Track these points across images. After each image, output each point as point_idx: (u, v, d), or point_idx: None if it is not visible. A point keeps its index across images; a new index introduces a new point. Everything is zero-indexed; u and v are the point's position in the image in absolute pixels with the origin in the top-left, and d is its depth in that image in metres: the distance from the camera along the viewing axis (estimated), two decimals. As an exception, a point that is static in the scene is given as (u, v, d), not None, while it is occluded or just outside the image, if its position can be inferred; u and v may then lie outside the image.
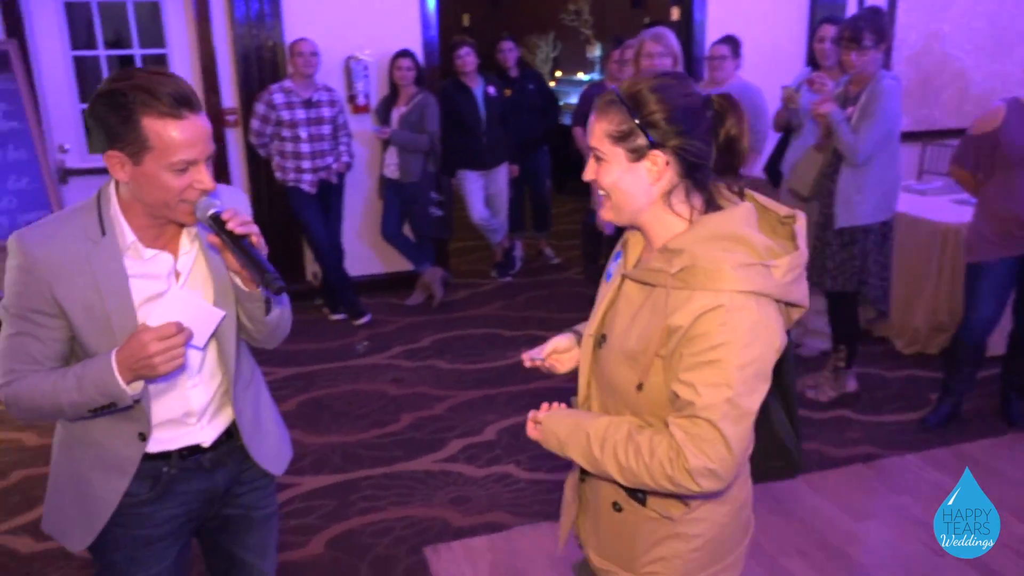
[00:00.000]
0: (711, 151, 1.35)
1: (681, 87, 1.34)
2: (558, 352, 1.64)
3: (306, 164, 4.95)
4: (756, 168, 4.77)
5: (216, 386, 1.68)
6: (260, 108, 4.88)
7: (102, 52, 5.18)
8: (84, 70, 5.22)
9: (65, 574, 2.81)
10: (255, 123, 4.91)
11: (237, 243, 1.44)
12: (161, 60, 5.29)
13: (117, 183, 1.52)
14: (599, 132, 1.36)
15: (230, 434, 1.74)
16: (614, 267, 1.51)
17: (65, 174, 5.06)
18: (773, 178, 4.66)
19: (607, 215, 1.42)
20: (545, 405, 1.54)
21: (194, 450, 1.69)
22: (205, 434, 1.70)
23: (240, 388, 1.72)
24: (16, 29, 4.83)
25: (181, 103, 1.39)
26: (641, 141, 1.33)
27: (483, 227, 5.85)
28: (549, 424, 1.47)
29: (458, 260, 6.45)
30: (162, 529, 1.69)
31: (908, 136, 5.37)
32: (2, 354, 1.53)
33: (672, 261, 1.32)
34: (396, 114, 5.20)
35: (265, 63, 5.17)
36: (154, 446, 1.64)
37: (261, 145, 5.01)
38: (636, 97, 1.33)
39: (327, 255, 5.09)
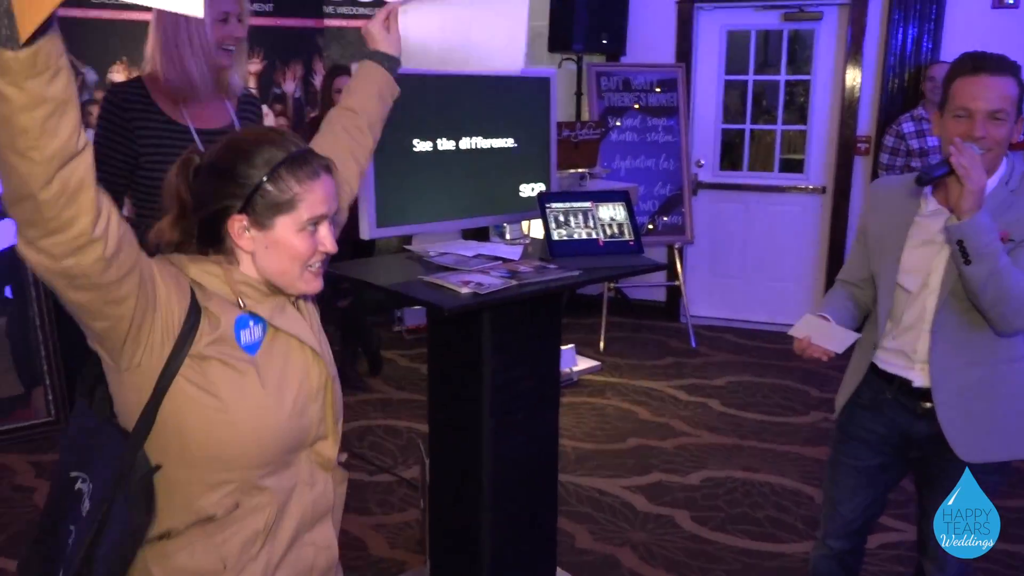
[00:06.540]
0: None
1: None
2: None
3: None
4: None
5: None
6: (889, 141, 4.70)
7: (751, 77, 5.55)
8: (730, 93, 5.66)
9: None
10: (884, 157, 4.74)
11: None
12: (805, 85, 5.47)
13: None
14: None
15: None
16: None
17: (697, 187, 5.55)
18: None
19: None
20: None
21: None
22: None
23: None
24: (685, 55, 5.45)
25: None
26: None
27: None
28: None
29: None
30: None
31: None
32: None
33: None
34: None
35: (909, 91, 4.97)
36: None
37: None
38: None
39: None
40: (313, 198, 1.26)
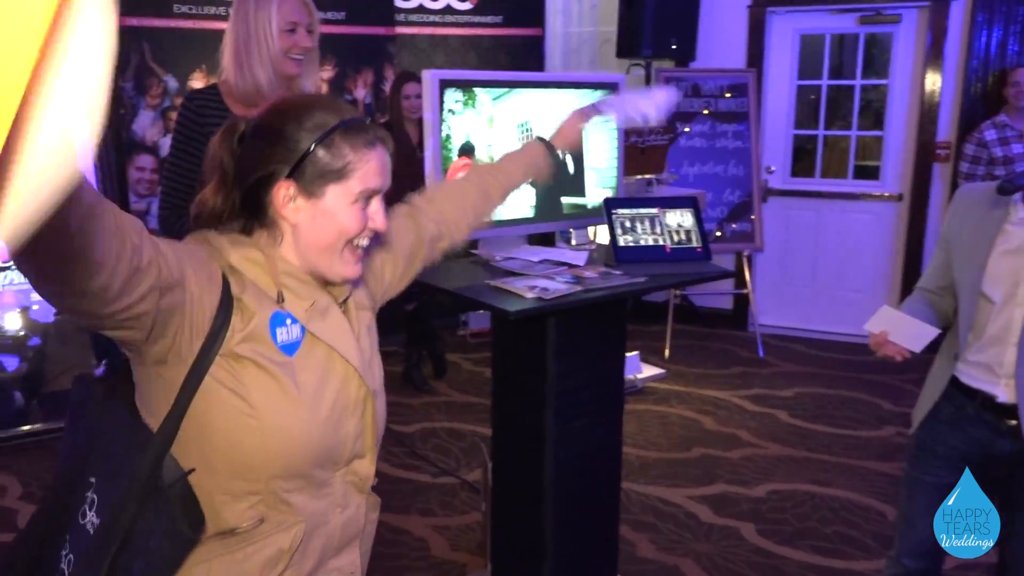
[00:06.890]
0: None
1: None
2: None
3: None
4: None
5: None
6: (970, 149, 4.53)
7: (825, 82, 5.42)
8: (802, 98, 5.54)
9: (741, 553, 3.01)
10: (964, 166, 4.58)
11: None
12: (881, 90, 5.32)
13: None
14: None
15: None
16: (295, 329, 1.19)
17: (767, 193, 5.45)
18: None
19: None
20: None
21: None
22: None
23: None
24: (756, 59, 5.36)
25: None
26: None
27: None
28: None
29: None
30: None
31: None
32: None
33: None
34: None
35: (992, 96, 4.78)
36: None
37: None
38: None
39: None
40: (367, 168, 1.17)
